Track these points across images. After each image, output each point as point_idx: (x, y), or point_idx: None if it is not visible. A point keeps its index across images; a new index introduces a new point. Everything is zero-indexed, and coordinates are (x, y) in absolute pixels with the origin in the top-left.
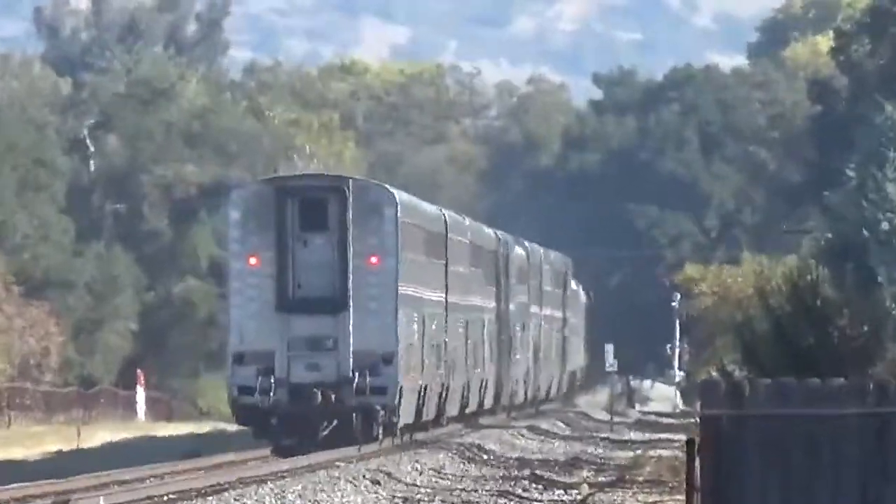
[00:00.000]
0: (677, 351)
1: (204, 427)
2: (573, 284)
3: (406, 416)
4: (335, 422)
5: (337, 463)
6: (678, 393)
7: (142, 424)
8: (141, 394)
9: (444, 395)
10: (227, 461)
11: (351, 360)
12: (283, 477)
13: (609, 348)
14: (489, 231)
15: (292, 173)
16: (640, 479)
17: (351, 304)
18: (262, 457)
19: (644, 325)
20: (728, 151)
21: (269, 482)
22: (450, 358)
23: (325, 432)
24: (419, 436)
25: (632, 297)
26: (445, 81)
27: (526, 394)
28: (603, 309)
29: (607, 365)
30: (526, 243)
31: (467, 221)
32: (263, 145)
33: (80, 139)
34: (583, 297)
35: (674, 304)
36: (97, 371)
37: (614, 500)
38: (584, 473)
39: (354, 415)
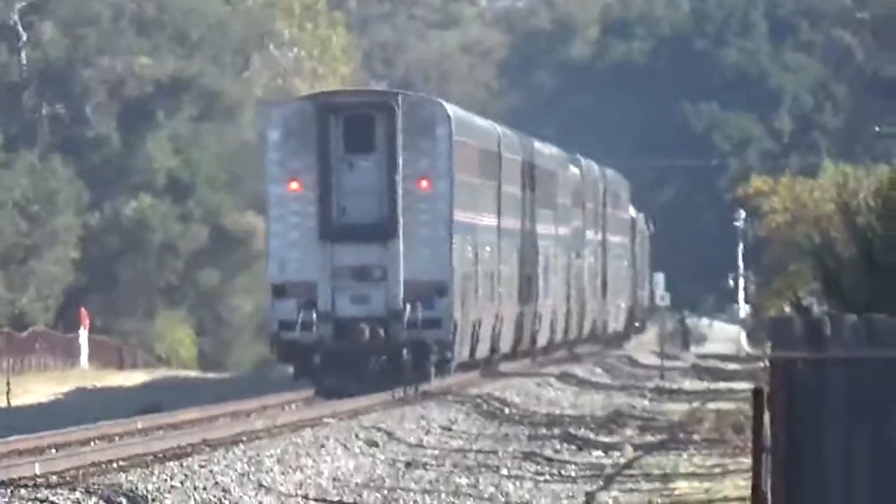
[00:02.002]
0: (742, 281)
1: (160, 375)
2: (632, 210)
3: (461, 352)
4: (384, 359)
5: (325, 419)
6: (743, 332)
7: (86, 374)
8: (84, 337)
9: (497, 329)
10: (191, 418)
11: (401, 291)
12: (259, 437)
13: (659, 278)
14: (545, 148)
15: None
16: (697, 437)
17: (401, 230)
18: (233, 412)
19: (702, 250)
20: (804, 37)
21: (241, 444)
22: (504, 289)
23: (374, 370)
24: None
25: (687, 216)
26: None
27: (582, 330)
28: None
29: (657, 298)
30: (581, 159)
31: (522, 138)
32: (233, 32)
33: (8, 26)
34: (643, 223)
35: (738, 223)
36: (31, 309)
37: (665, 463)
38: (628, 432)
39: (405, 351)
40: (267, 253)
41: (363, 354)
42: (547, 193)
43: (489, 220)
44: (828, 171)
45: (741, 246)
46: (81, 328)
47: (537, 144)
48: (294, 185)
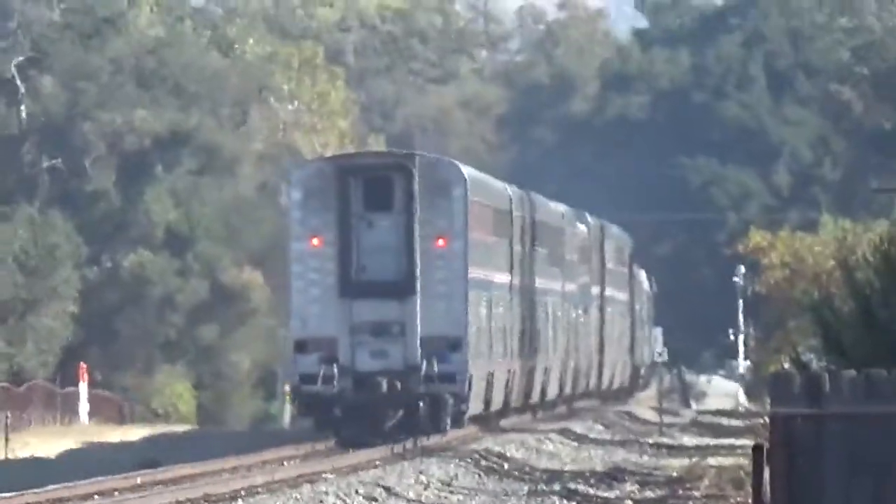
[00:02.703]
0: (741, 336)
1: (159, 431)
2: (635, 267)
3: (475, 405)
4: (401, 412)
5: (325, 475)
6: (742, 388)
7: (85, 429)
8: (84, 392)
9: (510, 383)
10: (190, 473)
11: (418, 346)
12: (258, 493)
13: (657, 332)
14: (553, 206)
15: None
16: (697, 493)
17: (418, 287)
18: (232, 467)
19: (700, 305)
20: (802, 91)
21: (240, 500)
22: (515, 344)
23: (392, 423)
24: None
25: (685, 270)
26: (455, 6)
27: (587, 385)
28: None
29: (655, 354)
30: (587, 217)
31: (532, 197)
32: (231, 85)
33: (7, 79)
34: (645, 280)
35: (736, 279)
36: (29, 364)
37: None
38: (628, 487)
39: (422, 404)
40: (288, 309)
41: (382, 407)
42: (555, 251)
43: (501, 277)
44: (827, 226)
45: (741, 301)
46: (81, 383)
47: (547, 203)
48: (315, 242)
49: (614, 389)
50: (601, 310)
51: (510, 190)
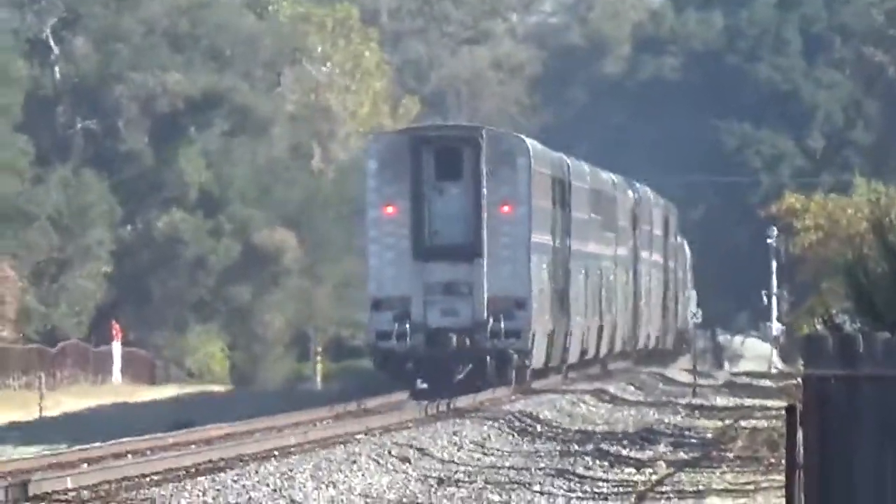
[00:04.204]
0: (774, 299)
1: (192, 390)
2: (679, 236)
3: (538, 360)
4: (470, 366)
5: (357, 436)
6: (776, 350)
7: (118, 388)
8: (117, 351)
9: (568, 341)
10: (224, 433)
11: (485, 305)
12: (292, 453)
13: (691, 295)
14: (605, 175)
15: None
16: (730, 455)
17: (485, 250)
18: (265, 427)
19: (734, 268)
20: (836, 54)
21: (273, 459)
22: (573, 304)
23: (461, 376)
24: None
25: (719, 233)
26: None
27: (636, 343)
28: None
29: (689, 315)
30: (637, 185)
31: (587, 167)
32: (264, 47)
33: (41, 40)
34: (686, 247)
35: (770, 241)
36: (63, 324)
37: (698, 480)
38: (661, 448)
39: (489, 358)
40: (366, 270)
41: (451, 361)
42: (608, 217)
43: (560, 242)
44: (860, 188)
45: (774, 264)
46: (114, 342)
47: (599, 172)
48: (390, 210)
49: (661, 350)
50: (651, 274)
51: (568, 161)
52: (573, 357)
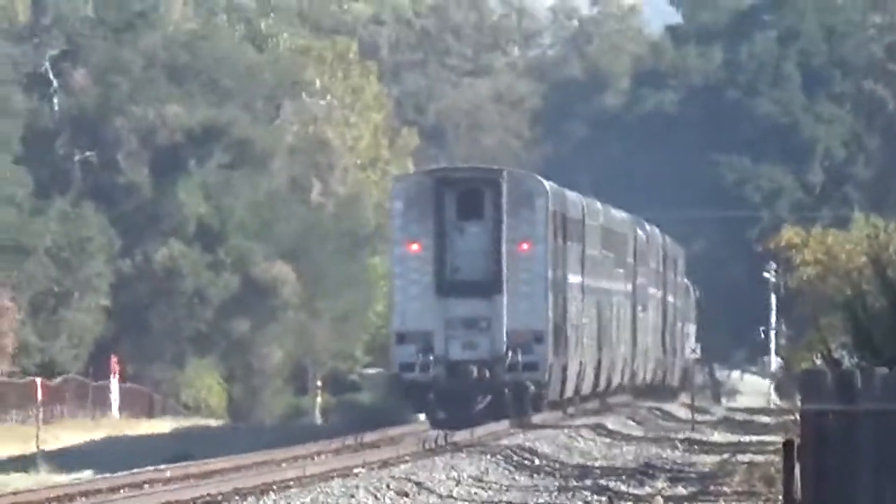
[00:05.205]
0: (773, 334)
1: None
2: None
3: (554, 392)
4: (489, 397)
5: (356, 470)
6: (773, 385)
7: (116, 422)
8: (115, 385)
9: (581, 373)
10: (221, 467)
11: (504, 338)
12: (289, 487)
13: (689, 330)
14: (616, 214)
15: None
16: (728, 490)
17: (505, 287)
18: (263, 461)
19: (732, 303)
20: (836, 89)
21: (272, 493)
22: (586, 339)
23: (480, 406)
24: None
25: (717, 268)
26: (488, 1)
27: (644, 377)
28: None
29: (687, 351)
30: (645, 224)
31: (599, 206)
32: (264, 79)
33: (40, 73)
34: (690, 286)
35: (768, 276)
36: (61, 357)
37: None
38: (659, 483)
39: (507, 390)
40: (390, 305)
41: (471, 392)
42: (620, 254)
43: (575, 278)
44: (859, 223)
45: (773, 298)
46: (112, 376)
47: (611, 211)
48: (414, 247)
49: (667, 385)
50: (657, 310)
51: (584, 201)
52: (587, 388)
